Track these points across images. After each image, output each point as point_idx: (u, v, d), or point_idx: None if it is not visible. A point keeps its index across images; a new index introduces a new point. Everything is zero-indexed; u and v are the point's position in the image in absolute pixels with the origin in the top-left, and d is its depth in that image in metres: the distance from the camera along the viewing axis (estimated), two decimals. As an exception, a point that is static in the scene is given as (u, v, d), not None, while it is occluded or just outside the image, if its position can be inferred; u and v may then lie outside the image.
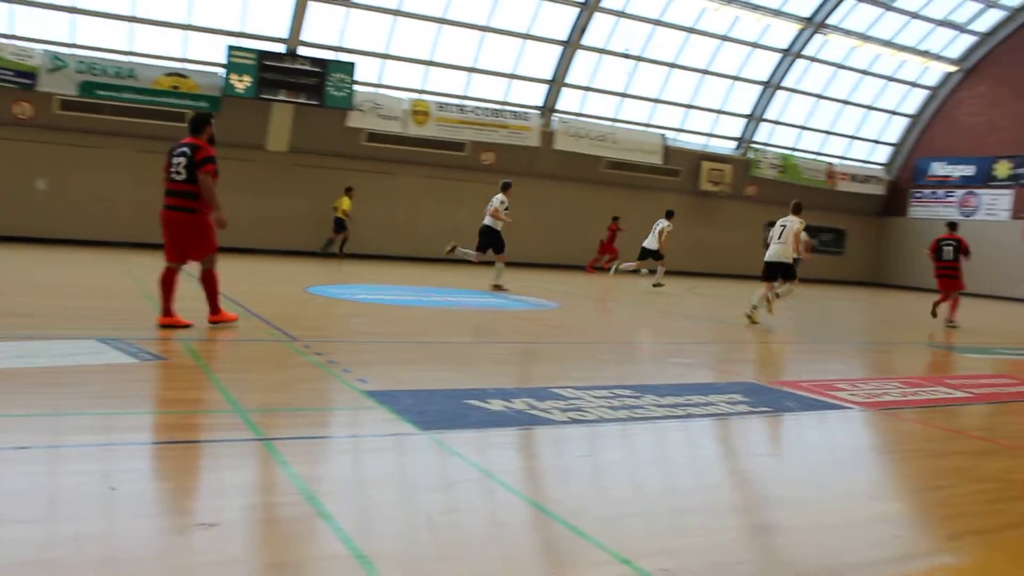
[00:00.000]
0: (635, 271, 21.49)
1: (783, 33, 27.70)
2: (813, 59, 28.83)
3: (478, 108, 24.21)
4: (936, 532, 3.91)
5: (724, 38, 26.79)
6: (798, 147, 31.34)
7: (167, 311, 8.03)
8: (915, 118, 32.59)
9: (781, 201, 30.44)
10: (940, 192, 31.77)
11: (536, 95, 25.56)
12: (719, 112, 28.90)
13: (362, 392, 5.69)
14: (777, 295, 13.82)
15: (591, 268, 26.07)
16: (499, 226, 16.13)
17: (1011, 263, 28.28)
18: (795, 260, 14.01)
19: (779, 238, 13.47)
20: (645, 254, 19.96)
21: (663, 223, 19.87)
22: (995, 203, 30.04)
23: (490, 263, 16.79)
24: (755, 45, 27.55)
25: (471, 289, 15.56)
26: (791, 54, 28.23)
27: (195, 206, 8.09)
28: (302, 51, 21.93)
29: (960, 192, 31.09)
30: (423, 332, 9.57)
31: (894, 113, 32.27)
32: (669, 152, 27.58)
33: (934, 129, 32.22)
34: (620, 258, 23.69)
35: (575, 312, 13.46)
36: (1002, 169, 29.82)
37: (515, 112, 24.76)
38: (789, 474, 4.78)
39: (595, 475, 4.40)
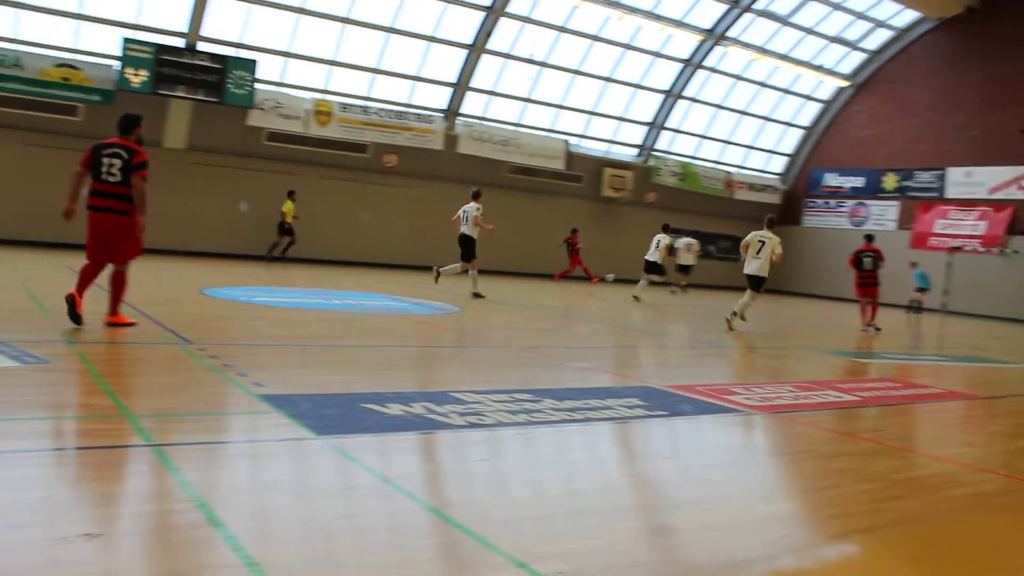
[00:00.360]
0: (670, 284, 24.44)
1: (684, 44, 28.27)
2: (713, 70, 29.50)
3: (382, 110, 24.02)
4: (824, 530, 4.02)
5: (627, 47, 27.19)
6: (698, 155, 32.03)
7: (80, 296, 7.91)
8: (809, 130, 33.64)
9: (681, 208, 31.16)
10: (832, 202, 32.85)
11: (440, 98, 25.51)
12: (621, 119, 29.32)
13: (258, 396, 5.57)
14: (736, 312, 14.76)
15: (559, 277, 27.34)
16: (476, 234, 16.50)
17: (899, 271, 29.37)
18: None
19: (758, 253, 14.65)
20: (650, 268, 20.24)
21: (663, 237, 20.32)
22: (883, 214, 31.21)
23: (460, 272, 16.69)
24: (657, 55, 28.03)
25: (373, 292, 15.42)
26: (692, 64, 28.82)
27: (129, 208, 8.06)
28: (202, 46, 21.41)
29: (851, 203, 32.20)
30: (322, 335, 9.44)
31: (789, 125, 33.24)
32: (572, 158, 27.86)
33: (827, 141, 33.31)
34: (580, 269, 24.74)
35: (477, 316, 13.46)
36: (890, 181, 31.01)
37: (419, 115, 24.66)
38: (684, 476, 4.86)
39: (493, 479, 4.39)
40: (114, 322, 8.16)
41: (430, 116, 24.88)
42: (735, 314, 14.22)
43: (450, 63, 24.99)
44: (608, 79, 27.79)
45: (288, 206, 22.20)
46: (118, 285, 8.25)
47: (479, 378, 7.28)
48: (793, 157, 34.29)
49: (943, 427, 7.47)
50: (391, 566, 3.07)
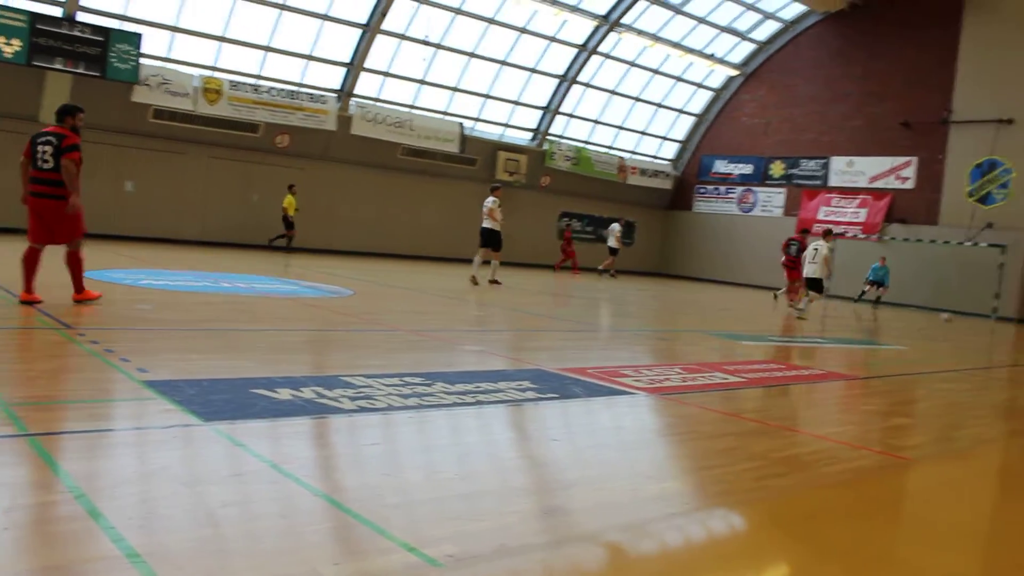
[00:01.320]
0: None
1: (579, 29, 28.50)
2: (607, 56, 29.83)
3: (273, 89, 23.54)
4: (710, 507, 4.13)
5: (522, 31, 27.26)
6: (591, 140, 32.36)
7: (28, 288, 8.60)
8: (700, 117, 34.36)
9: (574, 193, 31.49)
10: (722, 188, 33.66)
11: (334, 78, 25.15)
12: (516, 103, 29.41)
13: (141, 382, 5.41)
14: (798, 307, 17.79)
15: (558, 267, 29.07)
16: (497, 226, 17.94)
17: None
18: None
19: (812, 259, 17.51)
20: (811, 284, 20.12)
21: (822, 244, 20.33)
22: (770, 200, 32.15)
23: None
24: (552, 39, 28.20)
25: (263, 275, 15.13)
26: (587, 50, 29.08)
27: (63, 192, 8.64)
28: (82, 17, 20.58)
29: (740, 189, 33.05)
30: (210, 319, 9.22)
31: (681, 112, 33.89)
32: (466, 141, 27.83)
33: (717, 129, 34.09)
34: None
35: (369, 300, 13.35)
36: (777, 169, 31.95)
37: (312, 95, 24.25)
38: (575, 458, 4.92)
39: (384, 463, 4.37)
40: (81, 299, 8.86)
41: (323, 96, 24.50)
42: (801, 310, 17.48)
43: (344, 43, 24.63)
44: (503, 63, 27.83)
45: (289, 200, 23.07)
46: (73, 264, 8.87)
47: (370, 362, 7.22)
48: (684, 144, 34.98)
49: (823, 406, 7.75)
50: (280, 553, 3.03)
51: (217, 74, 22.96)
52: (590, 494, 4.11)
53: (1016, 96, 25.72)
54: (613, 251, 28.77)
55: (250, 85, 23.17)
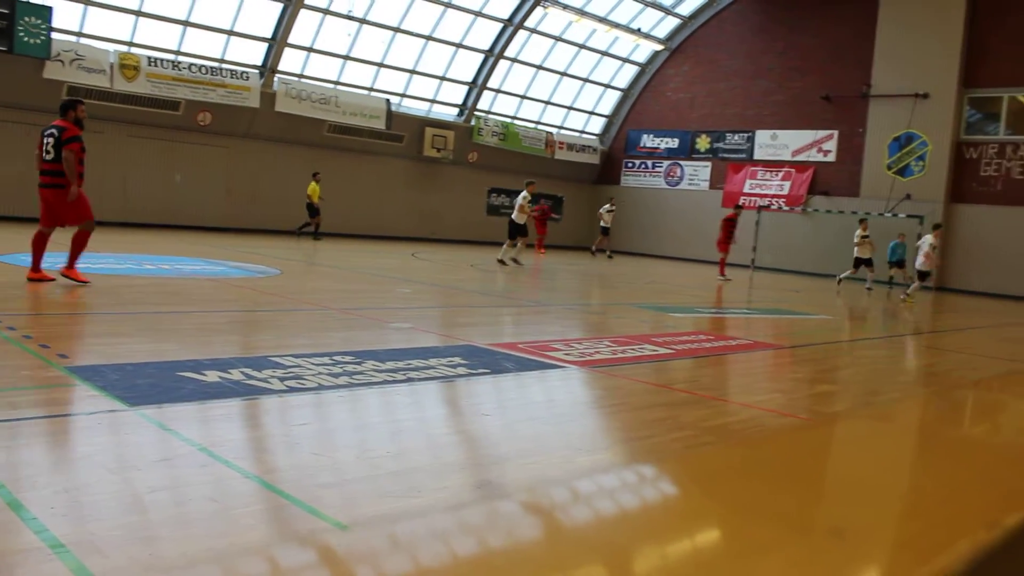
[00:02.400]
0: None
1: (505, 3, 28.36)
2: (533, 31, 29.76)
3: (194, 65, 22.98)
4: (640, 477, 4.18)
5: (448, 5, 27.02)
6: (519, 116, 32.33)
7: (35, 267, 9.42)
8: (626, 92, 34.53)
9: (502, 168, 31.46)
10: (649, 163, 33.92)
11: (256, 54, 24.64)
12: (443, 79, 29.20)
13: (63, 368, 5.28)
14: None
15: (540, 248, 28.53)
16: (523, 220, 19.54)
17: (711, 229, 30.72)
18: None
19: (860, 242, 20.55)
20: (922, 275, 20.50)
21: (928, 238, 20.47)
22: (696, 174, 32.52)
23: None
24: (478, 14, 28.00)
25: (188, 256, 14.85)
26: (512, 24, 28.97)
27: (63, 181, 9.37)
28: (-12, -8, 19.80)
29: (666, 163, 33.36)
30: (133, 302, 9.02)
31: (607, 87, 34.01)
32: (393, 117, 27.55)
33: (644, 103, 34.30)
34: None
35: (298, 279, 13.20)
36: (702, 143, 32.30)
37: (233, 71, 23.74)
38: (507, 432, 4.94)
39: (315, 443, 4.33)
40: (68, 275, 9.38)
41: (246, 73, 24.00)
42: (869, 288, 20.37)
43: (266, 17, 24.10)
44: (429, 37, 27.58)
45: (313, 187, 23.50)
46: (78, 242, 9.55)
47: (299, 341, 7.15)
48: (611, 118, 35.14)
49: (750, 376, 7.90)
50: (211, 536, 2.99)
51: (134, 50, 22.31)
52: (522, 468, 4.14)
53: (931, 71, 26.36)
54: (605, 231, 28.56)
55: (169, 61, 22.57)
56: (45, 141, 9.38)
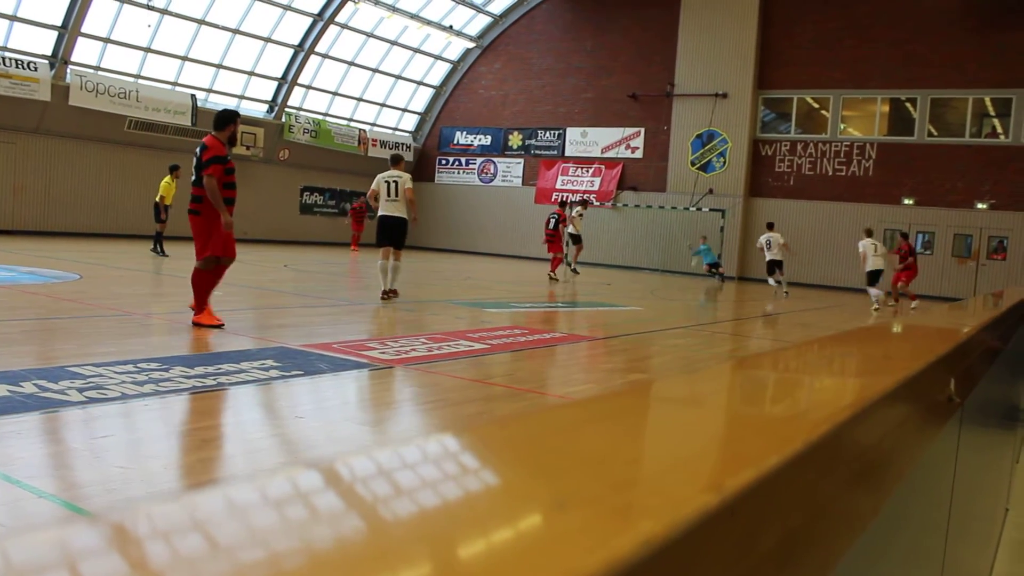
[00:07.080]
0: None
1: (314, -2, 27.87)
2: (345, 26, 29.38)
3: (-25, 55, 21.38)
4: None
5: (254, -2, 26.30)
6: (331, 113, 31.85)
7: (199, 307, 8.23)
8: (439, 89, 34.64)
9: (315, 166, 30.94)
10: (463, 160, 34.17)
11: (46, 43, 23.12)
12: (251, 74, 28.39)
13: None
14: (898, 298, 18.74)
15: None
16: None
17: (524, 225, 31.33)
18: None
19: (875, 253, 17.55)
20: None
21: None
22: (510, 171, 33.02)
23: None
24: (287, 8, 27.38)
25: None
26: (323, 19, 28.50)
27: (198, 208, 8.11)
28: None
29: (480, 160, 33.70)
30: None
31: (420, 83, 34.00)
32: (200, 113, 26.55)
33: (456, 100, 34.51)
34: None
35: (98, 284, 12.54)
36: (515, 140, 32.83)
37: (19, 60, 22.17)
38: (323, 434, 4.88)
39: (120, 456, 4.14)
40: (196, 322, 8.15)
41: (33, 63, 22.49)
42: (888, 296, 18.61)
43: (56, 3, 22.61)
44: (236, 31, 26.74)
45: (167, 185, 20.56)
46: (193, 283, 8.27)
47: (100, 349, 6.79)
48: (424, 115, 35.17)
49: (566, 367, 8.11)
50: None
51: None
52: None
53: (729, 72, 27.83)
54: (576, 239, 22.43)
55: (-53, 51, 20.94)
56: (194, 161, 8.28)
